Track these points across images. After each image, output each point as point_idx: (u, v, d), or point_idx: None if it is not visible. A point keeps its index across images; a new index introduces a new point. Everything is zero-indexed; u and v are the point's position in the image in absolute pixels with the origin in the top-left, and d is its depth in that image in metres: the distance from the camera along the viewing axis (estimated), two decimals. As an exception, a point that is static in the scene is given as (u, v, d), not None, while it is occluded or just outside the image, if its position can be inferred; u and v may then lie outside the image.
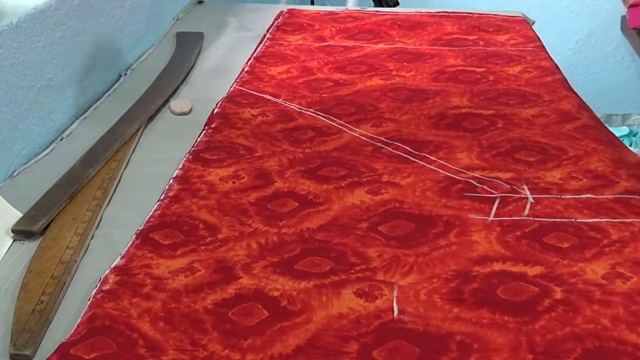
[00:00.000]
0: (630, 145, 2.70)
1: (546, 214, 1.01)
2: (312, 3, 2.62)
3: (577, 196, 1.06)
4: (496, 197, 1.06)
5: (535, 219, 1.00)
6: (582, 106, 1.38)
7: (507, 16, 1.90)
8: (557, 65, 1.58)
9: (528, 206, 1.04)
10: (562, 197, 1.06)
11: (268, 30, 1.83)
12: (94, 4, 1.44)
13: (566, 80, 1.51)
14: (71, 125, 1.34)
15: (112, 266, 0.91)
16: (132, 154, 1.23)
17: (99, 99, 1.46)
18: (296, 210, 1.04)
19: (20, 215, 1.03)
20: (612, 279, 0.87)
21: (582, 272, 0.89)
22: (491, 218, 1.01)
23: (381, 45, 1.71)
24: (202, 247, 0.95)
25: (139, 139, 1.28)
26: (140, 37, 1.69)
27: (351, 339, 0.79)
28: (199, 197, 1.07)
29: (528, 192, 1.07)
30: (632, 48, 2.91)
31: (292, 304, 0.84)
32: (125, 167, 1.19)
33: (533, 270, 0.89)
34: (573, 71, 2.89)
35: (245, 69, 1.58)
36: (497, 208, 1.03)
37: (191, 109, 1.40)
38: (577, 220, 1.00)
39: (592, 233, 0.97)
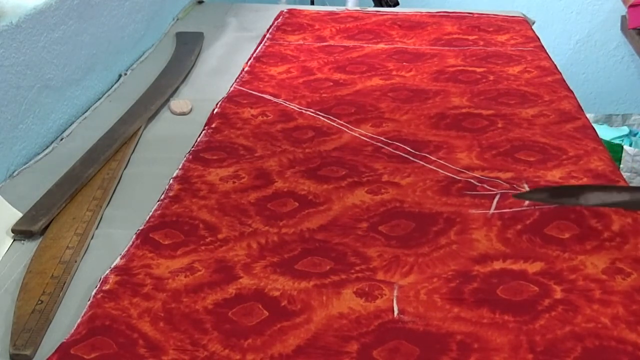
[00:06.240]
0: (630, 145, 2.69)
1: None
2: (312, 3, 2.62)
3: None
4: (496, 194, 1.06)
5: (536, 207, 1.00)
6: (581, 107, 1.38)
7: (507, 16, 1.90)
8: (556, 66, 1.58)
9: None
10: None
11: (268, 30, 1.83)
12: (94, 4, 1.44)
13: (564, 80, 1.51)
14: (71, 125, 1.34)
15: (112, 266, 0.91)
16: (132, 154, 1.23)
17: (99, 99, 1.46)
18: (296, 210, 1.04)
19: (20, 215, 1.03)
20: (612, 275, 0.88)
21: (583, 266, 0.89)
22: (492, 211, 1.01)
23: (381, 45, 1.71)
24: (202, 247, 0.95)
25: (139, 139, 1.28)
26: (140, 37, 1.69)
27: (351, 338, 0.79)
28: (199, 197, 1.07)
29: (528, 190, 1.07)
30: (632, 48, 2.90)
31: (292, 303, 0.84)
32: (125, 167, 1.19)
33: (533, 267, 0.90)
34: (573, 71, 2.90)
35: (245, 69, 1.58)
36: (497, 203, 1.03)
37: (191, 109, 1.40)
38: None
39: (593, 221, 0.97)
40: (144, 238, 0.97)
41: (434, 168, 1.15)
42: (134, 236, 0.98)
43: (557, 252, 0.92)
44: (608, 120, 2.98)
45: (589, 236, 0.95)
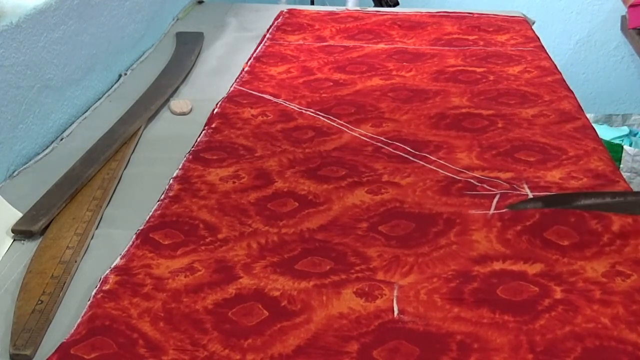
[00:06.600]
0: (630, 145, 2.69)
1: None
2: (312, 3, 2.62)
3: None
4: (496, 194, 1.06)
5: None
6: (581, 107, 1.38)
7: (507, 16, 1.90)
8: (556, 66, 1.58)
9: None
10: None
11: (268, 30, 1.83)
12: (94, 4, 1.44)
13: (564, 80, 1.52)
14: (71, 125, 1.34)
15: (112, 266, 0.91)
16: (132, 154, 1.23)
17: (99, 99, 1.46)
18: (296, 210, 1.04)
19: (20, 215, 1.03)
20: (612, 277, 0.87)
21: (582, 270, 0.89)
22: (492, 211, 1.01)
23: (381, 45, 1.71)
24: (202, 247, 0.95)
25: (139, 139, 1.28)
26: (140, 37, 1.69)
27: (351, 338, 0.79)
28: (199, 197, 1.07)
29: (528, 190, 1.07)
30: (632, 48, 2.90)
31: (292, 303, 0.84)
32: (125, 167, 1.19)
33: (533, 268, 0.90)
34: (573, 71, 2.89)
35: (245, 69, 1.58)
36: (497, 203, 1.03)
37: (191, 109, 1.40)
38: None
39: (593, 222, 0.97)
40: (144, 238, 0.97)
41: (434, 168, 1.15)
42: (134, 236, 0.98)
43: (557, 256, 0.92)
44: (608, 120, 2.98)
45: (590, 243, 0.94)
